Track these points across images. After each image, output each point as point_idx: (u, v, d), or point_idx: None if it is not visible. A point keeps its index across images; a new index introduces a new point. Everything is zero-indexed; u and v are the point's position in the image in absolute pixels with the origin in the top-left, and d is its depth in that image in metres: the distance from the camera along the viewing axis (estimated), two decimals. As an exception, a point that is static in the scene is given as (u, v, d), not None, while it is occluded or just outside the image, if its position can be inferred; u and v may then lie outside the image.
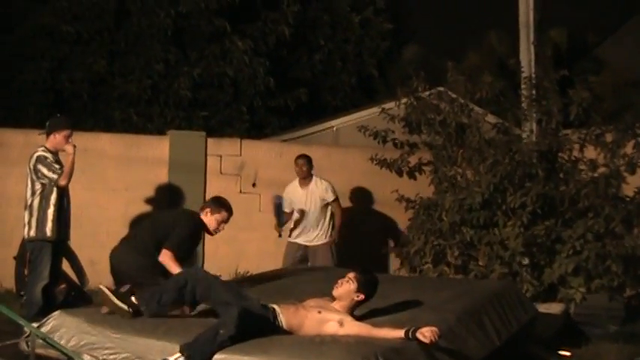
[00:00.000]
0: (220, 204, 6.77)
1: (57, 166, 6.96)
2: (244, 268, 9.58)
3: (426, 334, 4.74)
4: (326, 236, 9.02)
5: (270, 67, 14.65)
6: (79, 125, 11.62)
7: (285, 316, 4.94)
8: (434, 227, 8.81)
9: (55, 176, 6.91)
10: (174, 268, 6.03)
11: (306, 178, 9.00)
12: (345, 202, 10.23)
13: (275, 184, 9.95)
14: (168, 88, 13.76)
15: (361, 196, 10.30)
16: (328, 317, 4.93)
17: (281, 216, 8.92)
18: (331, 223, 9.08)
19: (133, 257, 6.27)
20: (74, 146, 7.09)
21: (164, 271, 6.17)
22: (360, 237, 10.12)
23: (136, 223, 8.36)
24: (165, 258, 6.15)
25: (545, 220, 8.45)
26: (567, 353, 6.90)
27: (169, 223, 6.44)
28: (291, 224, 8.97)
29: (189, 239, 6.47)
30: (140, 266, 6.21)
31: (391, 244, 9.76)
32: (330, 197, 9.04)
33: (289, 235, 8.98)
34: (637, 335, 7.48)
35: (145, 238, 6.40)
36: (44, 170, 6.92)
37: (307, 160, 9.05)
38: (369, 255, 9.64)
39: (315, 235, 8.98)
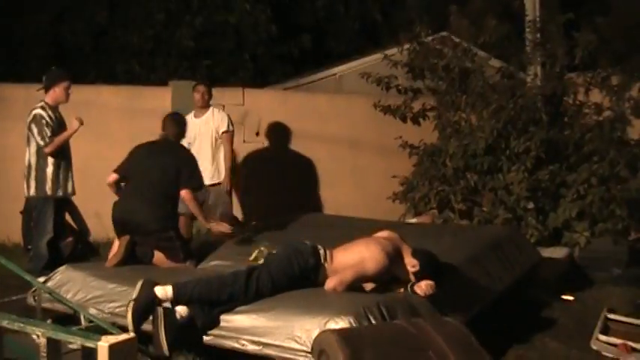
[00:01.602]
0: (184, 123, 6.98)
1: (47, 131, 6.89)
2: (248, 215, 9.59)
3: (422, 287, 4.77)
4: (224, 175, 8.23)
5: (273, 14, 14.49)
6: (81, 78, 11.63)
7: (334, 255, 4.93)
8: (438, 173, 8.82)
9: (42, 142, 6.89)
10: (197, 207, 6.34)
11: (203, 107, 8.30)
12: (350, 149, 10.23)
13: (278, 132, 9.95)
14: (171, 38, 13.64)
15: (365, 143, 10.27)
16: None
17: None
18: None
19: (149, 208, 6.22)
20: (81, 123, 7.01)
21: (176, 221, 6.41)
22: (364, 184, 10.13)
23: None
24: (188, 197, 6.27)
25: (549, 165, 8.43)
26: (570, 297, 6.94)
27: (171, 164, 6.43)
28: None
29: (197, 170, 6.56)
30: (158, 217, 6.20)
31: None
32: (224, 127, 8.25)
33: None
34: (640, 278, 7.52)
35: (155, 186, 6.35)
36: (34, 131, 6.92)
37: (208, 88, 8.36)
38: (373, 202, 9.64)
39: (209, 172, 8.02)
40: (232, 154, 8.46)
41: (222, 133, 8.28)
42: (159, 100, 9.59)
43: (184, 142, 8.13)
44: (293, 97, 10.88)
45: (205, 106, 8.36)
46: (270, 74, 14.94)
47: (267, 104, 10.24)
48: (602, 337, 5.49)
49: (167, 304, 4.46)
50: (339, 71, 12.42)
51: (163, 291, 4.47)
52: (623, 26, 9.50)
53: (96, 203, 8.74)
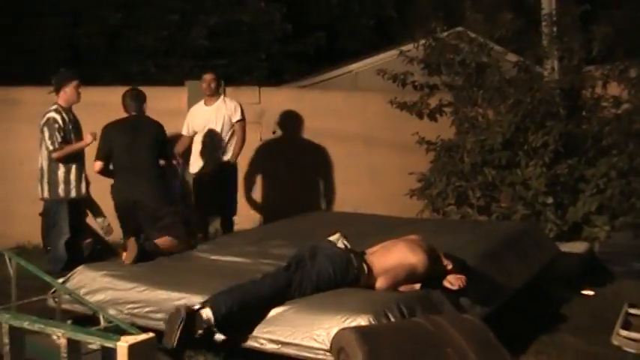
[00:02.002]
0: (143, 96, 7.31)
1: (58, 137, 6.92)
2: (267, 216, 9.59)
3: (453, 281, 4.76)
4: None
5: (287, 13, 14.48)
6: (96, 80, 11.69)
7: (372, 259, 4.88)
8: (455, 169, 8.79)
9: (51, 147, 6.94)
10: None
11: (213, 95, 8.34)
12: (366, 147, 10.21)
13: (294, 130, 9.95)
14: (185, 39, 13.67)
15: (381, 140, 10.24)
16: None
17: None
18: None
19: (148, 185, 6.60)
20: (94, 138, 7.06)
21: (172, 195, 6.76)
22: (381, 181, 10.11)
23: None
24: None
25: (567, 159, 8.38)
26: (590, 292, 6.90)
27: (150, 138, 6.89)
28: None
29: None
30: (158, 194, 6.56)
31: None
32: (237, 117, 8.31)
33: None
34: (662, 273, 7.45)
35: (145, 163, 6.72)
36: (46, 135, 6.97)
37: (214, 76, 8.38)
38: (391, 199, 9.62)
39: (218, 160, 8.19)
40: (243, 144, 8.41)
41: (236, 122, 8.32)
42: (175, 100, 9.61)
43: (184, 131, 8.23)
44: (309, 94, 10.87)
45: (213, 94, 8.39)
46: (284, 73, 14.94)
47: (283, 102, 10.23)
48: (623, 332, 5.45)
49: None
50: (354, 68, 12.40)
51: (205, 317, 4.35)
52: (639, 17, 9.41)
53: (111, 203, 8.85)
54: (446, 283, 4.80)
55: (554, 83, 8.80)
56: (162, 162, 6.96)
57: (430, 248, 4.94)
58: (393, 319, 4.18)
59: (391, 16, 16.86)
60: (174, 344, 4.24)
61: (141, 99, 7.23)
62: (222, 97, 8.49)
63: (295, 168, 9.75)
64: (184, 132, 8.55)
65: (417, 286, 4.77)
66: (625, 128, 8.46)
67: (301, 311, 4.34)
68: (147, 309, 4.80)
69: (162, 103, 9.59)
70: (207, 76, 8.39)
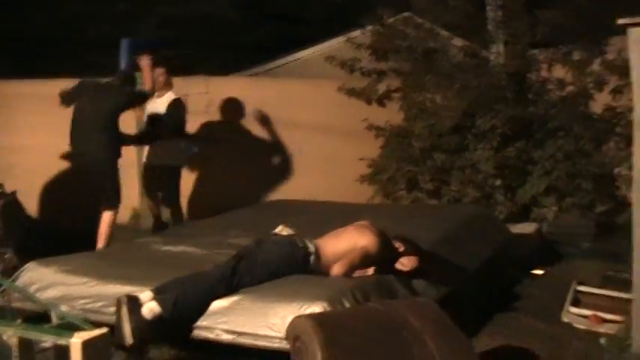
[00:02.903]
0: None
1: None
2: (217, 203, 9.52)
3: (405, 262, 4.79)
4: None
5: (239, 2, 14.41)
6: (51, 71, 11.45)
7: (323, 246, 4.82)
8: (405, 154, 8.86)
9: None
10: None
11: (162, 88, 8.14)
12: (317, 134, 10.19)
13: (244, 119, 9.88)
14: (135, 29, 13.49)
15: (333, 127, 10.23)
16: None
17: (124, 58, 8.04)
18: None
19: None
20: None
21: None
22: (332, 168, 10.12)
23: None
24: None
25: (515, 142, 8.52)
26: (540, 272, 7.02)
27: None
28: None
29: None
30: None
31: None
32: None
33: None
34: (608, 251, 7.59)
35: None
36: None
37: (165, 69, 8.15)
38: (343, 185, 9.64)
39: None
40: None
41: None
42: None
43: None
44: (258, 83, 10.82)
45: (162, 87, 8.19)
46: (237, 62, 14.84)
47: (232, 92, 10.16)
48: (573, 310, 5.56)
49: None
50: (304, 56, 12.36)
51: (149, 310, 4.29)
52: (583, 3, 9.53)
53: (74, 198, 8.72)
54: (398, 265, 4.83)
55: (500, 67, 8.92)
56: None
57: (380, 231, 4.96)
58: (348, 305, 4.20)
59: (342, 3, 16.86)
60: (130, 339, 4.21)
61: None
62: (170, 92, 8.33)
63: (247, 158, 9.70)
64: None
65: (370, 270, 4.78)
66: (570, 110, 8.61)
67: (256, 300, 4.33)
68: (99, 304, 4.72)
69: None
70: (158, 70, 8.28)
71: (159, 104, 8.16)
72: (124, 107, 7.44)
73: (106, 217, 7.26)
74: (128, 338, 4.22)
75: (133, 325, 4.23)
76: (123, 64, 7.99)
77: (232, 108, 9.86)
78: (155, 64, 7.80)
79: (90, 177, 7.38)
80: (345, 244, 4.81)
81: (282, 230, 4.96)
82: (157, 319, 4.31)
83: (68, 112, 7.77)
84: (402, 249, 4.96)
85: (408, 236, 5.17)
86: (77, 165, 7.85)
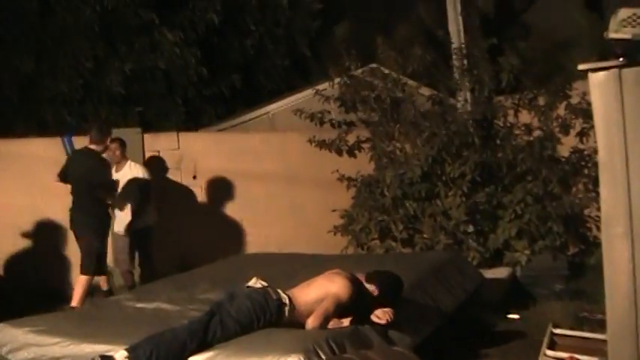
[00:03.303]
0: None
1: None
2: (189, 256, 9.48)
3: (380, 316, 4.77)
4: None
5: (202, 56, 14.45)
6: (10, 130, 11.42)
7: (295, 295, 4.82)
8: (377, 203, 8.88)
9: None
10: None
11: (120, 162, 8.52)
12: (287, 186, 10.24)
13: (214, 174, 9.90)
14: (100, 85, 13.48)
15: (302, 179, 10.28)
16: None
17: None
18: None
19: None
20: None
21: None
22: (304, 219, 10.13)
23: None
24: None
25: (485, 187, 8.60)
26: (516, 316, 7.04)
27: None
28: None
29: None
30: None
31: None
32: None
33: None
34: (581, 292, 7.64)
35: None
36: None
37: (120, 143, 8.54)
38: (314, 237, 9.65)
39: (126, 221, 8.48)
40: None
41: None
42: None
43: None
44: (227, 138, 10.87)
45: (120, 160, 8.55)
46: (202, 116, 14.85)
47: (202, 146, 10.20)
48: (550, 353, 5.56)
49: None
50: (271, 109, 12.44)
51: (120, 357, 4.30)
52: (544, 48, 9.75)
53: (34, 256, 8.70)
54: (374, 318, 4.81)
55: (467, 114, 9.04)
56: None
57: (350, 275, 4.95)
58: (323, 357, 4.17)
59: (305, 55, 17.00)
60: None
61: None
62: (128, 162, 8.60)
63: (217, 211, 9.70)
64: None
65: (346, 321, 4.77)
66: (537, 154, 8.72)
67: (230, 356, 4.29)
68: (72, 364, 4.66)
69: (79, 152, 9.44)
70: (112, 145, 8.44)
71: (120, 175, 8.40)
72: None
73: (82, 279, 7.56)
74: None
75: None
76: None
77: (201, 163, 9.90)
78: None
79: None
80: (316, 292, 4.80)
81: (255, 283, 4.94)
82: None
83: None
84: (375, 293, 4.93)
85: (384, 271, 5.16)
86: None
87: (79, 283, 7.65)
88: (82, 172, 7.81)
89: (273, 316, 4.64)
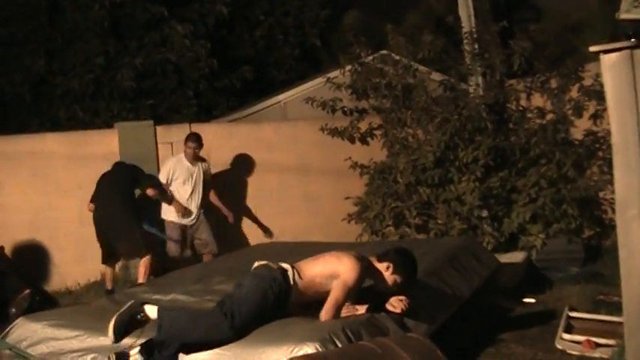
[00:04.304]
0: None
1: None
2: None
3: (395, 304, 4.74)
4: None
5: (212, 49, 14.45)
6: (24, 128, 11.48)
7: (301, 268, 4.80)
8: (390, 190, 8.87)
9: None
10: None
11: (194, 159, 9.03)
12: (300, 175, 10.24)
13: (227, 164, 9.92)
14: (112, 81, 13.50)
15: (315, 168, 10.28)
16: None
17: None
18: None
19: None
20: None
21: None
22: (318, 208, 10.14)
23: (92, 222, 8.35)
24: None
25: (498, 172, 8.57)
26: (532, 300, 7.02)
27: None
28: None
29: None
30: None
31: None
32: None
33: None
34: (597, 275, 7.63)
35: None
36: None
37: (197, 141, 9.00)
38: (329, 225, 9.65)
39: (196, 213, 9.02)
40: None
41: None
42: (105, 143, 9.50)
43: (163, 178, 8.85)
44: (239, 128, 10.87)
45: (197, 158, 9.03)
46: (214, 108, 14.88)
47: (214, 137, 10.19)
48: (566, 336, 5.56)
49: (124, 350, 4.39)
50: (283, 98, 12.43)
51: (151, 309, 4.58)
52: (556, 30, 9.69)
53: (50, 253, 8.75)
54: (388, 307, 4.78)
55: (479, 99, 8.99)
56: None
57: (359, 255, 4.90)
58: (340, 346, 4.18)
59: (315, 45, 16.97)
60: None
61: None
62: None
63: (231, 203, 9.72)
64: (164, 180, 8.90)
65: (362, 309, 4.76)
66: (551, 138, 8.68)
67: (246, 346, 4.30)
68: (90, 356, 4.69)
69: (92, 147, 9.50)
70: (191, 144, 8.96)
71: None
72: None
73: (144, 260, 8.16)
74: None
75: None
76: None
77: (213, 154, 9.91)
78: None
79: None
80: (322, 266, 4.74)
81: (257, 265, 4.95)
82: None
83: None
84: (389, 269, 4.87)
85: (397, 248, 5.15)
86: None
87: (142, 263, 8.15)
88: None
89: (282, 284, 4.63)
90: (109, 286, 8.36)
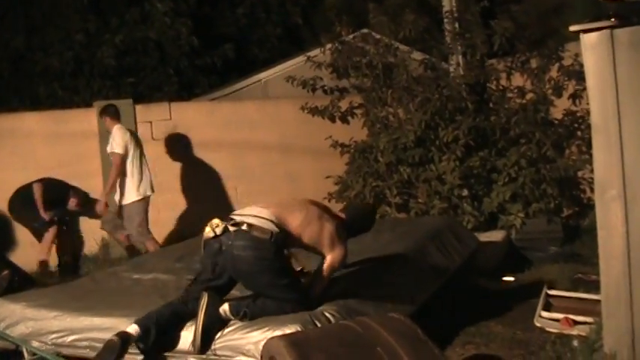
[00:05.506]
0: None
1: None
2: (188, 232, 9.50)
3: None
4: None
5: (193, 26, 14.36)
6: (3, 105, 11.38)
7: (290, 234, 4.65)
8: (371, 169, 8.88)
9: None
10: None
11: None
12: (281, 154, 10.22)
13: (208, 144, 9.87)
14: (92, 58, 13.41)
15: (296, 147, 10.27)
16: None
17: None
18: (140, 177, 8.37)
19: None
20: None
21: None
22: (299, 187, 10.13)
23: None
24: None
25: (479, 152, 8.59)
26: (510, 279, 7.08)
27: None
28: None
29: None
30: None
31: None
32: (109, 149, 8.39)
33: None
34: (576, 254, 7.70)
35: None
36: None
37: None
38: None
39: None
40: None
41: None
42: (84, 122, 9.44)
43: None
44: (220, 107, 10.82)
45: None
46: (195, 87, 14.81)
47: (195, 116, 10.16)
48: (545, 314, 5.61)
49: None
50: (263, 77, 12.40)
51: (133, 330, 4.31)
52: (537, 11, 9.68)
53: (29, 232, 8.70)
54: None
55: (460, 79, 9.01)
56: None
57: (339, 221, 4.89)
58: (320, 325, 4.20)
59: (297, 23, 16.90)
60: None
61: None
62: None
63: (211, 181, 9.70)
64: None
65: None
66: (531, 117, 8.71)
67: (232, 329, 4.31)
68: (71, 337, 4.66)
69: (72, 125, 9.44)
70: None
71: None
72: None
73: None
74: None
75: None
76: None
77: (194, 133, 9.86)
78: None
79: None
80: (312, 239, 4.66)
81: (209, 233, 4.84)
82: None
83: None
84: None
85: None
86: None
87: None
88: None
89: (280, 249, 4.56)
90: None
